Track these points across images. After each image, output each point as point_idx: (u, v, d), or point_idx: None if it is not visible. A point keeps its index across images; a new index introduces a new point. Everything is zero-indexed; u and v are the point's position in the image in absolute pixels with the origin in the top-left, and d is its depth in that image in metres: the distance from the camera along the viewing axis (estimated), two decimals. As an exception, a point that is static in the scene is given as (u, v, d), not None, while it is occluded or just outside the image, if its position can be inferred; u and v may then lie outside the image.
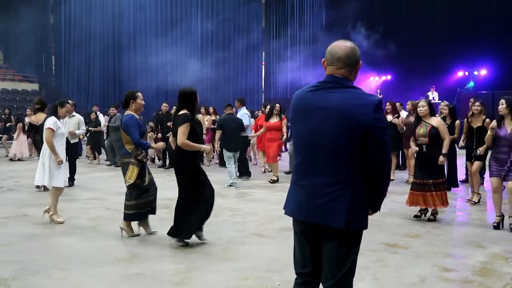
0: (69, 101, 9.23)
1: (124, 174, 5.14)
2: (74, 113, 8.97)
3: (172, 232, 4.90)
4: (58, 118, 5.98)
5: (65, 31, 22.62)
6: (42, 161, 5.87)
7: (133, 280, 3.96)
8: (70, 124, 8.71)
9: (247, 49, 28.34)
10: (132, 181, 5.06)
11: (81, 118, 9.12)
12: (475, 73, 21.92)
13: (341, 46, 2.47)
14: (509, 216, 5.66)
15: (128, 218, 5.22)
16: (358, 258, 4.34)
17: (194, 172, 4.90)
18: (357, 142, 2.29)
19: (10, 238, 5.19)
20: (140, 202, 5.18)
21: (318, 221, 2.34)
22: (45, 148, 5.85)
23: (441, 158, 5.87)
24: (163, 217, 6.14)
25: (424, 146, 5.97)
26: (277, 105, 9.67)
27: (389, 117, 9.36)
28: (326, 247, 2.40)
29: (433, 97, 19.65)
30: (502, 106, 5.68)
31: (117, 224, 5.83)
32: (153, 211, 5.36)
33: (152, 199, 5.30)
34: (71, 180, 8.85)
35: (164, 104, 11.91)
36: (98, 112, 13.14)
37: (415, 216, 6.16)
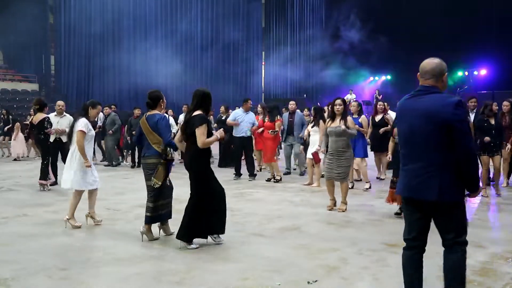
0: (59, 101, 9.31)
1: (149, 175, 5.03)
2: (65, 113, 9.05)
3: (186, 234, 4.78)
4: (89, 119, 5.79)
5: (65, 31, 22.61)
6: (70, 164, 5.67)
7: (133, 280, 3.96)
8: (63, 124, 8.78)
9: (246, 49, 28.34)
10: (160, 183, 4.99)
11: (72, 118, 9.15)
12: (475, 73, 21.93)
13: (429, 62, 3.22)
14: None
15: (150, 220, 5.09)
16: (357, 257, 4.36)
17: (211, 173, 4.89)
18: (442, 135, 2.97)
19: (10, 238, 5.19)
20: (163, 203, 5.10)
21: (418, 196, 3.07)
22: (74, 150, 5.66)
23: None
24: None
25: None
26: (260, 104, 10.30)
27: (379, 117, 9.32)
28: (434, 217, 3.14)
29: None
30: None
31: (117, 224, 5.85)
32: (170, 215, 5.27)
33: (170, 200, 5.25)
34: None
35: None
36: None
37: (396, 214, 6.21)
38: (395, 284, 3.87)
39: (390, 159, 6.57)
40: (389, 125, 8.85)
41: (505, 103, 8.24)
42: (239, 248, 4.85)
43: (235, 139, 9.87)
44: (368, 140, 9.54)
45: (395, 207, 6.47)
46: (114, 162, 12.11)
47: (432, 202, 3.00)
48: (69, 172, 5.65)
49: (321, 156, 8.70)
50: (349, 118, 6.67)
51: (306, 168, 10.78)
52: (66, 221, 5.65)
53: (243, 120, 9.69)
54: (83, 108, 5.90)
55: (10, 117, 14.56)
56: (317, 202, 7.33)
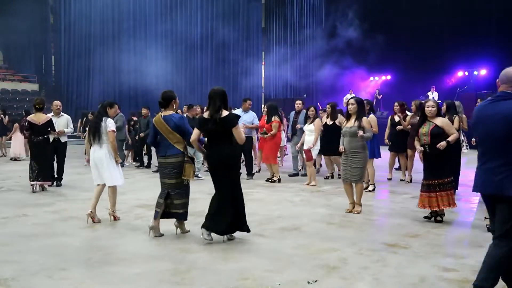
0: (56, 102, 9.29)
1: (174, 173, 5.12)
2: (62, 113, 9.06)
3: (240, 227, 5.07)
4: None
5: (65, 31, 22.61)
6: (95, 162, 5.92)
7: (133, 280, 3.96)
8: (60, 124, 8.79)
9: (246, 49, 28.34)
10: (191, 179, 5.17)
11: (69, 117, 9.23)
12: (475, 73, 21.93)
13: None
14: (485, 218, 5.51)
15: (185, 217, 5.27)
16: (357, 257, 4.37)
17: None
18: None
19: (10, 238, 5.19)
20: (182, 202, 5.24)
21: (496, 192, 3.33)
22: (102, 149, 5.88)
23: (442, 143, 5.68)
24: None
25: (426, 146, 5.82)
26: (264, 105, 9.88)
27: (397, 118, 9.30)
28: (497, 210, 3.39)
29: (433, 97, 19.66)
30: None
31: (116, 225, 5.85)
32: (186, 216, 5.38)
33: (187, 201, 5.34)
34: (59, 179, 8.87)
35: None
36: None
37: (425, 217, 6.03)
38: (395, 284, 3.88)
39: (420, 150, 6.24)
40: (408, 125, 8.77)
41: None
42: (239, 248, 4.85)
43: None
44: (386, 140, 9.51)
45: (396, 207, 6.47)
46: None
47: (508, 198, 3.25)
48: (108, 170, 5.90)
49: (314, 155, 8.72)
50: (364, 119, 6.41)
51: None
52: (112, 215, 5.97)
53: (240, 120, 9.65)
54: (102, 109, 6.06)
55: (7, 117, 14.56)
56: (317, 202, 7.33)
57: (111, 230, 5.61)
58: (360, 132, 6.21)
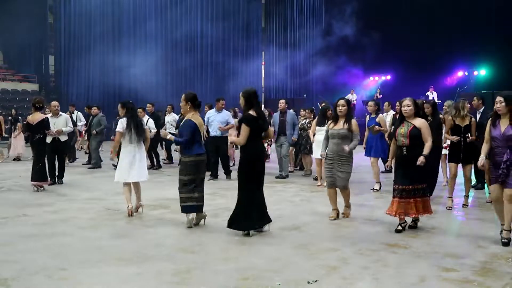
0: (54, 102, 9.35)
1: (203, 169, 5.71)
2: (60, 113, 9.15)
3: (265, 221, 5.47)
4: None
5: (65, 31, 22.58)
6: (134, 160, 6.26)
7: (133, 280, 3.96)
8: (59, 124, 8.87)
9: (246, 49, 28.32)
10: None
11: (68, 116, 9.36)
12: (475, 73, 21.92)
13: None
14: (501, 230, 5.16)
15: (200, 210, 5.74)
16: (357, 257, 4.39)
17: None
18: None
19: (10, 238, 5.19)
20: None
21: None
22: (138, 147, 6.29)
23: (421, 158, 5.32)
24: (162, 217, 6.16)
25: (404, 148, 5.48)
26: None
27: None
28: None
29: (432, 97, 19.67)
30: (501, 104, 5.08)
31: (116, 225, 5.86)
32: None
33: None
34: (61, 177, 8.94)
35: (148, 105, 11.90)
36: (76, 112, 13.11)
37: (397, 231, 5.50)
38: (395, 284, 3.88)
39: (389, 166, 5.99)
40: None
41: None
42: (239, 248, 4.85)
43: (209, 138, 9.44)
44: (387, 139, 9.45)
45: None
46: (91, 165, 11.63)
47: None
48: (142, 166, 6.33)
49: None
50: (353, 121, 6.12)
51: (290, 171, 10.53)
52: (138, 208, 6.36)
53: (213, 120, 9.50)
54: (135, 110, 6.56)
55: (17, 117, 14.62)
56: (317, 202, 7.33)
57: (111, 230, 5.61)
58: (346, 148, 5.91)
